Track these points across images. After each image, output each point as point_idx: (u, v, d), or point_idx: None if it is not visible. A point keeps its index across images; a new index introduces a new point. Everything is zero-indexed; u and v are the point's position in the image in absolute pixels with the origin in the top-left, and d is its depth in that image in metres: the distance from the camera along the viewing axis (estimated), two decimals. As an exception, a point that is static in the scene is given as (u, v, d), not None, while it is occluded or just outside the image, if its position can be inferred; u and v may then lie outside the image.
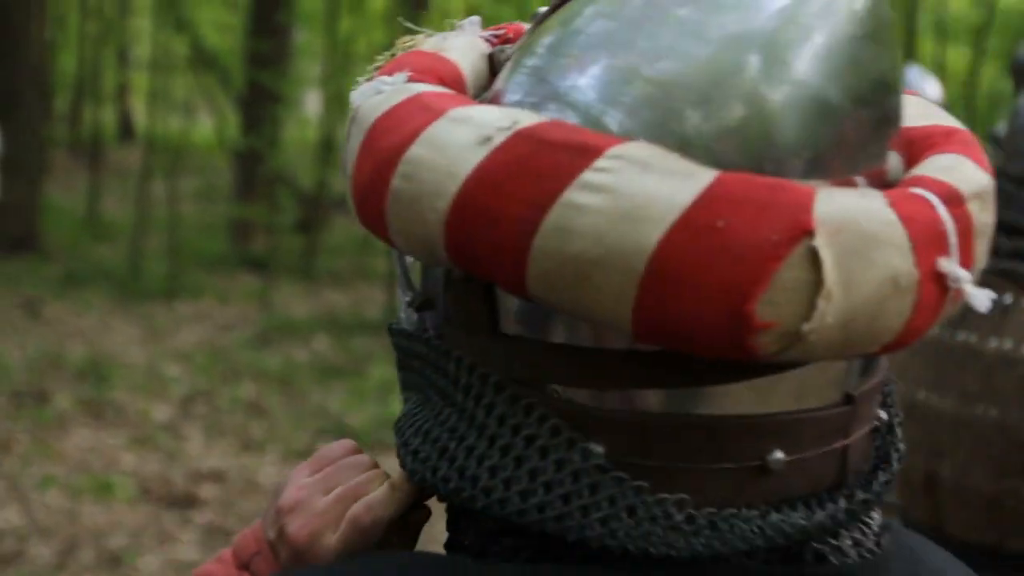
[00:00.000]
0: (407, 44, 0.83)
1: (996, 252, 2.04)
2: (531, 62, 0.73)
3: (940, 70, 11.18)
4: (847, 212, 0.64)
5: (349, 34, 12.72)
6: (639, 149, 0.64)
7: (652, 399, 0.69)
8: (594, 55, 0.70)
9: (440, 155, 0.67)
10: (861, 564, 0.76)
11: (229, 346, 8.08)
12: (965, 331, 1.97)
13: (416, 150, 0.68)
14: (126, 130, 19.26)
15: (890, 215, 0.65)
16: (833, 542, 0.75)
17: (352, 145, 0.74)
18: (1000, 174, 2.13)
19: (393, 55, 0.81)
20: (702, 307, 0.63)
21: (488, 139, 0.66)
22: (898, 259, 0.64)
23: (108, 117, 17.70)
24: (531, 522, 0.70)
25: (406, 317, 0.83)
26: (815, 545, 0.74)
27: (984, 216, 0.72)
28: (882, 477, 0.76)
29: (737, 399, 0.69)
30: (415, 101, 0.71)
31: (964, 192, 0.70)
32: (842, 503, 0.72)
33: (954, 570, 0.85)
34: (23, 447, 5.91)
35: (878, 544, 0.78)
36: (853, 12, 0.70)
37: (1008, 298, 1.97)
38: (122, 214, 12.17)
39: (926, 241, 0.66)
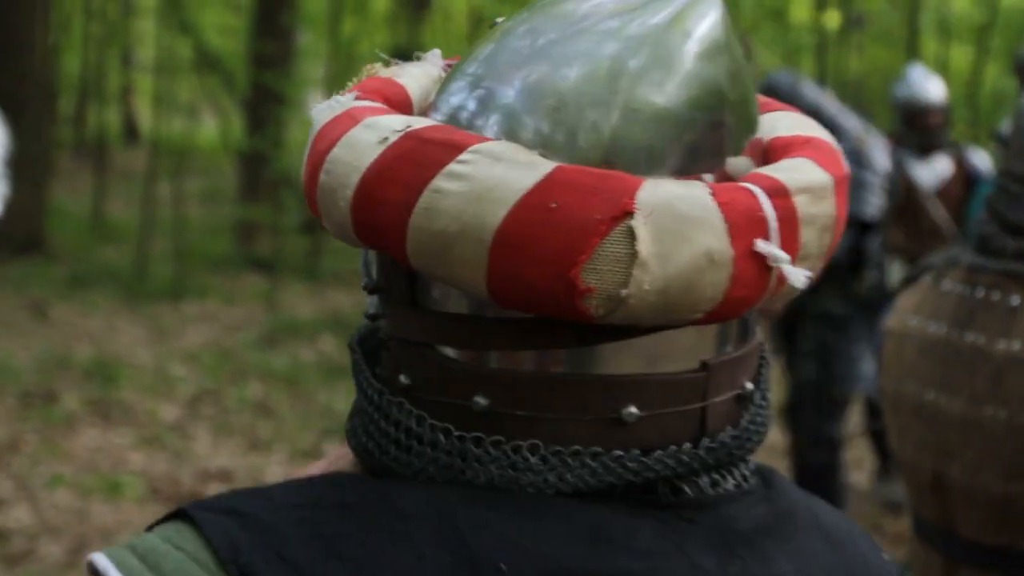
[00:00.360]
0: (371, 71, 0.96)
1: (1002, 253, 2.01)
2: (471, 69, 0.86)
3: (943, 69, 11.18)
4: (667, 197, 0.76)
5: (352, 36, 12.75)
6: (495, 145, 0.78)
7: (525, 359, 0.82)
8: (512, 69, 0.83)
9: (351, 153, 0.81)
10: (716, 496, 0.85)
11: (235, 346, 8.11)
12: (973, 333, 1.95)
13: (336, 151, 0.83)
14: (131, 132, 19.28)
15: (708, 201, 0.77)
16: (693, 479, 0.85)
17: (307, 150, 0.88)
18: (1005, 174, 2.08)
19: (360, 79, 0.94)
20: (538, 273, 0.76)
21: (385, 139, 0.80)
22: (712, 238, 0.76)
23: (113, 119, 17.72)
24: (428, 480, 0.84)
25: (370, 302, 0.95)
26: (674, 482, 0.84)
27: (813, 208, 0.81)
28: (731, 431, 0.85)
29: (596, 361, 0.82)
30: (348, 113, 0.85)
31: (790, 186, 0.80)
32: (686, 446, 0.83)
33: (819, 508, 0.92)
34: (32, 447, 5.93)
35: (739, 487, 0.87)
36: (693, 34, 0.82)
37: (1015, 299, 1.94)
38: (127, 216, 12.19)
39: (743, 224, 0.77)
